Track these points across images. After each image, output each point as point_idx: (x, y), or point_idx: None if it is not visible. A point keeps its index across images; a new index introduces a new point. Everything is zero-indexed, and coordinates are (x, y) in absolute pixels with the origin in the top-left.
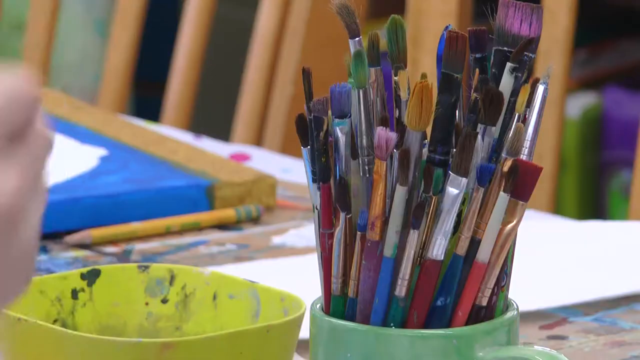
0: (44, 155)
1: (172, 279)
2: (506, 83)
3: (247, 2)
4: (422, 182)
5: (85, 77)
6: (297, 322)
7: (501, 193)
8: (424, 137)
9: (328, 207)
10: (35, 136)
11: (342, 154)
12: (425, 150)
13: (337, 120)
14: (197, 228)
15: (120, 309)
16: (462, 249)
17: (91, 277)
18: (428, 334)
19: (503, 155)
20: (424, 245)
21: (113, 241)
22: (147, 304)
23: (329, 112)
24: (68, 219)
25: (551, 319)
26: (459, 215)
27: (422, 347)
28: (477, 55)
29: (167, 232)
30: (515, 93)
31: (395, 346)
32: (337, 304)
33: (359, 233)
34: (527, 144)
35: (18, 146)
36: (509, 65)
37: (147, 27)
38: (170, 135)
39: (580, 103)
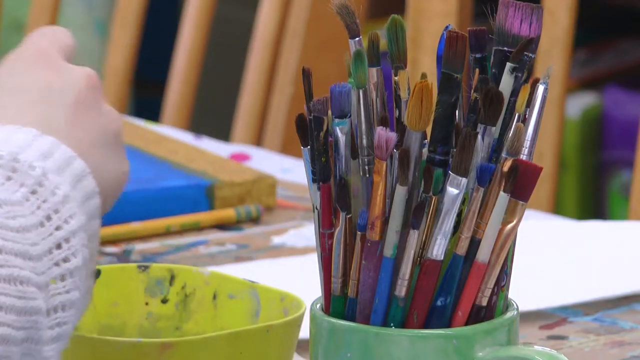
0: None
1: (172, 279)
2: (506, 83)
3: (247, 2)
4: (422, 182)
5: None
6: (297, 322)
7: (501, 193)
8: (424, 137)
9: (328, 207)
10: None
11: (342, 154)
12: (425, 150)
13: (337, 120)
14: (197, 228)
15: (120, 309)
16: (462, 249)
17: None
18: (428, 334)
19: (503, 155)
20: (424, 245)
21: (113, 241)
22: (147, 304)
23: (329, 112)
24: None
25: (551, 319)
26: (459, 215)
27: (422, 347)
28: (477, 55)
29: (167, 232)
30: (515, 93)
31: (395, 346)
32: (337, 304)
33: (359, 233)
34: (527, 144)
35: None
36: (509, 65)
37: (147, 27)
38: (170, 135)
39: (580, 103)
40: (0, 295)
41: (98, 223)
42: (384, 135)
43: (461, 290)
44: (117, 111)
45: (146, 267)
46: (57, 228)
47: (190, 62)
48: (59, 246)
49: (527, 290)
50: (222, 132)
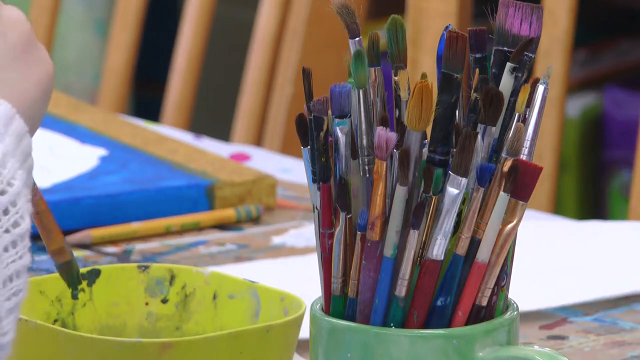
0: None
1: (172, 279)
2: (506, 83)
3: (247, 2)
4: (422, 182)
5: (85, 77)
6: (297, 322)
7: (501, 193)
8: (424, 137)
9: (328, 207)
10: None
11: (342, 154)
12: (425, 150)
13: (337, 120)
14: (197, 228)
15: (120, 309)
16: (462, 249)
17: (91, 277)
18: (428, 334)
19: (503, 155)
20: (424, 245)
21: (113, 241)
22: (147, 304)
23: (329, 112)
24: (68, 219)
25: (551, 319)
26: (459, 215)
27: (422, 347)
28: (477, 55)
29: (167, 232)
30: (515, 93)
31: (395, 346)
32: (337, 304)
33: (359, 233)
34: (527, 144)
35: None
36: (509, 65)
37: (147, 27)
38: (170, 135)
39: (580, 103)
40: None
41: (32, 161)
42: (384, 135)
43: (461, 290)
44: (16, 10)
45: (146, 267)
46: (2, 193)
47: (190, 62)
48: (6, 211)
49: (527, 290)
50: (222, 132)
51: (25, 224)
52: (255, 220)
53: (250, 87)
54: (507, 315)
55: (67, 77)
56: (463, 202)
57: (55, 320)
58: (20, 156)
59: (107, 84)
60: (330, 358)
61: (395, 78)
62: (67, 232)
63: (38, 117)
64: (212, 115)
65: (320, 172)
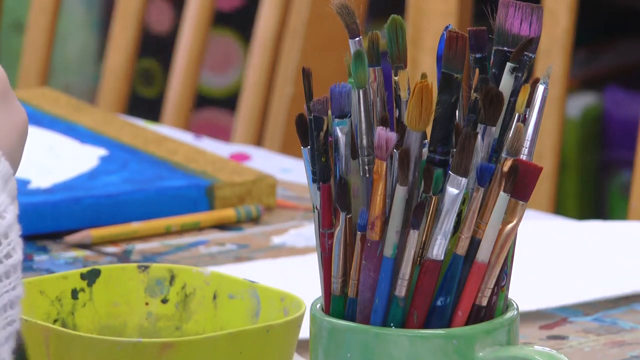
0: None
1: (172, 279)
2: (506, 83)
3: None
4: (422, 182)
5: (85, 77)
6: (297, 322)
7: (501, 193)
8: (424, 137)
9: (328, 207)
10: None
11: (342, 154)
12: (425, 150)
13: (337, 120)
14: (197, 228)
15: (120, 309)
16: (462, 249)
17: (91, 277)
18: (428, 334)
19: (503, 155)
20: (424, 245)
21: (113, 241)
22: (147, 304)
23: (329, 112)
24: (68, 219)
25: (551, 319)
26: (459, 215)
27: (422, 347)
28: (477, 55)
29: (167, 232)
30: (515, 93)
31: (395, 346)
32: (337, 304)
33: (359, 233)
34: (527, 144)
35: None
36: (509, 65)
37: (147, 26)
38: (170, 135)
39: (580, 103)
40: None
41: (17, 204)
42: (384, 135)
43: (461, 290)
44: None
45: (146, 267)
46: None
47: (190, 62)
48: None
49: (527, 290)
50: (222, 132)
51: (18, 256)
52: (255, 220)
53: (250, 87)
54: (507, 315)
55: (67, 77)
56: (463, 202)
57: (55, 320)
58: (9, 195)
59: (107, 84)
60: (330, 358)
61: (395, 78)
62: (67, 232)
63: (17, 162)
64: (212, 116)
65: (320, 172)
